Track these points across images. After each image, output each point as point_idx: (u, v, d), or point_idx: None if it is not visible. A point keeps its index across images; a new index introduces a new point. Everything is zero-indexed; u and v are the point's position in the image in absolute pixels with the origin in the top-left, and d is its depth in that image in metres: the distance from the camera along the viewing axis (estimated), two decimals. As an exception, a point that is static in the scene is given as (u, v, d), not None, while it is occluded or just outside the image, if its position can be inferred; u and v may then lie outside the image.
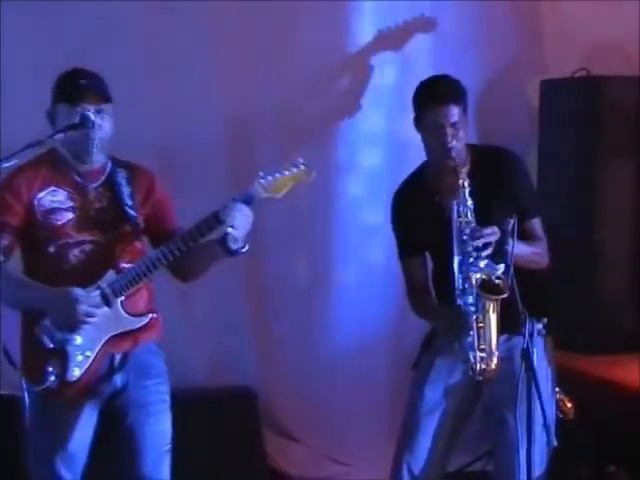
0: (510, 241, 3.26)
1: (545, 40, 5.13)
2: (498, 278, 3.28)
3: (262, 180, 3.19)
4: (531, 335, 3.21)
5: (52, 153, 3.26)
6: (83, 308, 3.13)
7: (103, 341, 3.20)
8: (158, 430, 3.27)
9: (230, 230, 3.16)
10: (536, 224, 3.60)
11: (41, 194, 3.25)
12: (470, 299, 3.34)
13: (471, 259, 3.33)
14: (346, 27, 4.95)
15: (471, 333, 3.32)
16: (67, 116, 3.19)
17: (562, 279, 4.69)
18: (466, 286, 3.36)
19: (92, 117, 3.14)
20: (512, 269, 3.25)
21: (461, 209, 3.38)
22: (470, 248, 3.33)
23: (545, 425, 3.22)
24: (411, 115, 3.54)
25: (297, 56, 4.93)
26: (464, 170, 3.40)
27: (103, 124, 3.22)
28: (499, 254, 3.28)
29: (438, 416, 3.52)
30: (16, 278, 3.23)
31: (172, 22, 4.76)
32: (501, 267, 3.27)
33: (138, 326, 3.24)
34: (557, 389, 3.61)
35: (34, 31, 4.71)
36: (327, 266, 5.10)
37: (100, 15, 4.67)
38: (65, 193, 3.26)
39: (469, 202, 3.38)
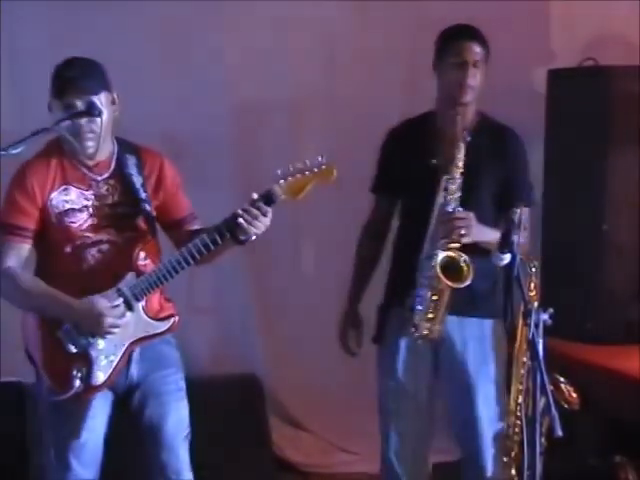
0: (517, 231, 3.25)
1: (551, 29, 5.12)
2: (466, 263, 3.33)
3: (281, 181, 3.12)
4: (537, 325, 3.21)
5: (59, 147, 3.20)
6: (109, 321, 3.11)
7: (126, 345, 3.19)
8: (176, 418, 3.27)
9: (248, 229, 3.11)
10: (525, 214, 3.60)
11: (53, 194, 3.19)
12: (428, 272, 3.38)
13: (442, 237, 3.37)
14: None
15: (419, 299, 3.39)
16: (58, 111, 3.14)
17: (571, 269, 4.69)
18: (433, 254, 3.39)
19: (99, 105, 3.10)
20: (518, 260, 3.24)
21: (450, 184, 3.38)
22: (444, 227, 3.37)
23: (551, 415, 3.21)
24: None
25: (308, 46, 4.93)
26: (465, 132, 3.39)
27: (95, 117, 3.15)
28: (505, 244, 3.28)
29: (414, 398, 3.55)
30: (38, 288, 3.17)
31: (184, 9, 4.76)
32: (507, 257, 3.27)
33: (161, 330, 3.23)
34: (562, 379, 3.62)
35: (49, 20, 4.73)
36: (332, 251, 5.10)
37: (113, 2, 4.68)
38: (77, 191, 3.21)
39: (459, 178, 3.38)
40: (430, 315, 3.43)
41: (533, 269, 3.58)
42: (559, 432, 3.11)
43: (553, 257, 4.66)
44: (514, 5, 4.97)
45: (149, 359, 3.26)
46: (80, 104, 3.12)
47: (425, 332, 3.44)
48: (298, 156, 5.02)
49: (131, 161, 3.25)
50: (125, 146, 3.29)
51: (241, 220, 3.10)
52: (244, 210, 3.11)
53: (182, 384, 3.32)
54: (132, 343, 3.20)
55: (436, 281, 3.39)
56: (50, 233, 3.20)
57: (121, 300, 3.14)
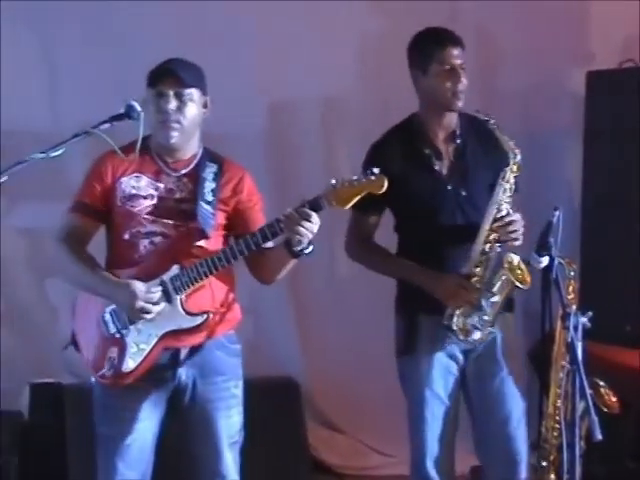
0: (555, 233, 3.24)
1: (590, 29, 5.10)
2: (523, 265, 3.34)
3: (332, 188, 3.11)
4: (576, 328, 3.20)
5: (145, 138, 3.21)
6: (140, 304, 3.13)
7: (158, 336, 3.20)
8: (224, 425, 3.28)
9: (295, 238, 3.10)
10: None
11: (124, 178, 3.26)
12: (483, 273, 3.38)
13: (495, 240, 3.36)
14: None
15: (483, 305, 3.37)
16: (150, 99, 3.20)
17: (610, 271, 4.66)
18: (483, 259, 3.38)
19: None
20: (556, 262, 3.23)
21: (503, 188, 3.38)
22: (504, 230, 3.36)
23: (590, 419, 3.19)
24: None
25: (344, 43, 4.94)
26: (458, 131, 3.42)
27: (184, 109, 3.21)
28: (543, 246, 3.27)
29: (445, 404, 3.53)
30: (82, 260, 3.23)
31: (217, 7, 4.79)
32: (545, 260, 3.25)
33: (192, 325, 3.22)
34: (601, 383, 3.59)
35: (83, 21, 4.77)
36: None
37: (146, 2, 4.72)
38: (147, 180, 3.26)
39: (513, 183, 3.39)
40: (488, 317, 3.42)
41: (572, 272, 3.57)
42: (599, 436, 3.09)
43: (592, 259, 4.63)
44: (552, 5, 4.95)
45: (200, 363, 3.28)
46: (172, 94, 3.20)
47: (482, 337, 3.43)
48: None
49: (210, 168, 3.29)
50: (210, 154, 3.34)
51: (283, 224, 3.11)
52: (288, 214, 3.12)
53: (235, 391, 3.32)
54: (165, 335, 3.21)
55: (499, 283, 3.38)
56: (114, 217, 3.27)
57: (160, 289, 3.17)
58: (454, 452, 3.61)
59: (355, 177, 3.13)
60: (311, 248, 3.16)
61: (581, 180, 4.90)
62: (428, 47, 3.49)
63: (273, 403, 4.59)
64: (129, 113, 3.10)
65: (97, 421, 3.29)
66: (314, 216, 3.10)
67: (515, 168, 3.42)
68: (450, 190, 3.48)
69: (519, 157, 3.43)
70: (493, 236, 3.40)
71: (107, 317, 3.21)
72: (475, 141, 3.50)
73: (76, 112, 4.50)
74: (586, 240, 4.80)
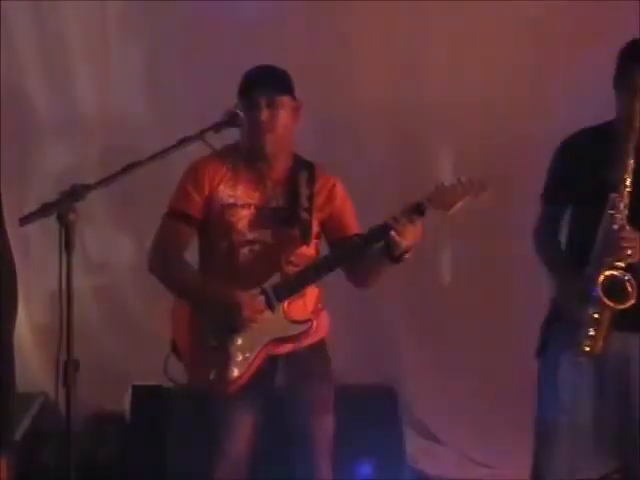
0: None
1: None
2: (630, 283, 3.26)
3: (434, 192, 3.12)
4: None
5: (235, 151, 3.29)
6: (246, 314, 3.17)
7: (263, 344, 3.24)
8: (319, 430, 3.31)
9: (399, 241, 3.11)
10: None
11: (221, 187, 3.29)
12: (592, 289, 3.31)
13: (607, 256, 3.30)
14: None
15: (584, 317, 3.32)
16: (243, 108, 3.20)
17: None
18: (596, 271, 3.31)
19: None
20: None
21: (618, 202, 3.31)
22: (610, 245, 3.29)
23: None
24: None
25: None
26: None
27: (276, 117, 3.24)
28: None
29: (573, 415, 3.44)
30: (187, 272, 3.29)
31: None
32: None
33: (297, 333, 3.26)
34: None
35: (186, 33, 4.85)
36: (474, 260, 5.06)
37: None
38: (244, 189, 3.29)
39: (627, 197, 3.31)
40: (591, 333, 3.35)
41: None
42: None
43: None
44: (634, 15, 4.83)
45: (295, 368, 3.30)
46: (264, 103, 3.23)
47: (586, 349, 3.37)
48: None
49: (303, 175, 3.32)
50: (301, 161, 3.37)
51: (391, 230, 3.11)
52: (393, 218, 3.12)
53: (328, 397, 3.35)
54: (268, 343, 3.24)
55: (599, 299, 3.32)
56: (212, 226, 3.31)
57: (263, 298, 3.20)
58: (580, 468, 3.48)
59: (457, 181, 3.12)
60: (409, 252, 3.16)
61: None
62: (629, 56, 3.41)
63: (371, 411, 4.59)
64: (233, 120, 3.14)
65: (195, 426, 3.34)
66: (418, 220, 3.10)
67: (628, 182, 3.31)
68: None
69: (629, 173, 3.32)
70: (606, 251, 3.32)
71: (207, 328, 3.24)
72: None
73: (175, 117, 4.60)
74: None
